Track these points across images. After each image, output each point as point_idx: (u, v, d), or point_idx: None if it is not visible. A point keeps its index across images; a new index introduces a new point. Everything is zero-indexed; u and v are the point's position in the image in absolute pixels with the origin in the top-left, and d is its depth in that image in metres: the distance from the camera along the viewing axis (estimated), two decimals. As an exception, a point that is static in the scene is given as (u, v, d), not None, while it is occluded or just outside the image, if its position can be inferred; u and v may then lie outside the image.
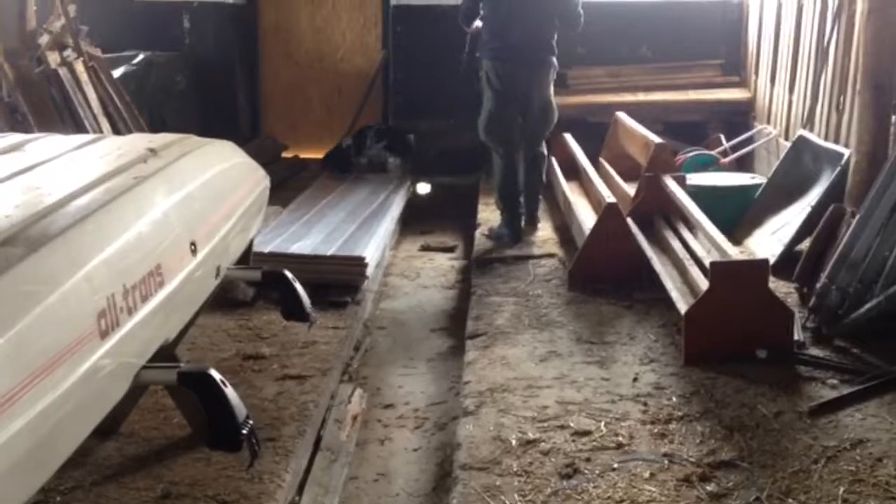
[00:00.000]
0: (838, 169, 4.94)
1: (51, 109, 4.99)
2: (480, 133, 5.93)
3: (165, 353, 2.54)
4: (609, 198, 5.09)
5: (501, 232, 5.89)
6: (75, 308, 1.77)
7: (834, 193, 4.85)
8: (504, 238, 5.83)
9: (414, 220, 6.86)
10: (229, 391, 2.10)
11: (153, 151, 2.65)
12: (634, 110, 6.90)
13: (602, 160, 6.69)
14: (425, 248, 6.33)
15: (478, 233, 6.07)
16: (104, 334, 1.83)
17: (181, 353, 3.53)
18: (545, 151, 6.15)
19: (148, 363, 2.14)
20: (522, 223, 5.96)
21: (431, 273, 5.84)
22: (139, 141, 2.91)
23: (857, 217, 4.18)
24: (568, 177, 6.42)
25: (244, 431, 2.10)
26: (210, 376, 2.11)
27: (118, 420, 3.28)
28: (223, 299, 4.46)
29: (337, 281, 4.96)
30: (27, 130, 4.58)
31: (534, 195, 6.15)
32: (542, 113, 5.92)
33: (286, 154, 7.97)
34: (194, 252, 2.43)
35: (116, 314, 1.89)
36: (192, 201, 2.53)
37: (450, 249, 6.29)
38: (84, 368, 1.78)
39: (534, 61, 5.80)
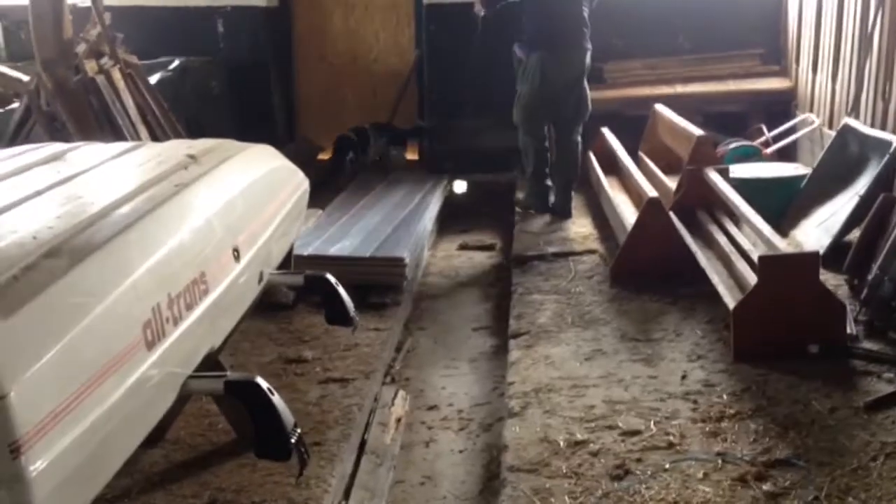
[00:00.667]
0: (886, 157, 4.82)
1: (90, 118, 5.01)
2: (515, 118, 6.21)
3: (211, 361, 2.53)
4: (650, 192, 5.01)
5: (529, 202, 6.32)
6: (121, 319, 1.75)
7: (883, 182, 4.73)
8: (532, 207, 6.22)
9: (452, 220, 6.81)
10: (276, 399, 2.08)
11: (193, 158, 2.63)
12: (673, 102, 6.80)
13: (641, 154, 6.60)
14: (464, 247, 6.28)
15: (516, 229, 6.02)
16: (150, 345, 1.81)
17: (223, 358, 3.54)
18: (579, 140, 6.22)
19: (194, 372, 2.12)
20: (551, 198, 6.25)
21: (471, 272, 5.79)
22: (178, 147, 2.89)
23: (909, 206, 4.07)
24: (607, 172, 6.34)
25: (293, 440, 2.07)
26: (257, 385, 2.09)
27: (164, 427, 3.28)
28: (264, 303, 4.44)
29: (376, 282, 4.94)
30: (66, 139, 4.59)
31: (566, 185, 6.23)
32: (578, 101, 6.09)
33: (322, 156, 7.96)
34: (237, 258, 2.41)
35: (162, 324, 1.86)
36: (233, 207, 2.50)
37: (489, 248, 6.24)
38: (131, 380, 1.76)
39: (580, 48, 6.02)
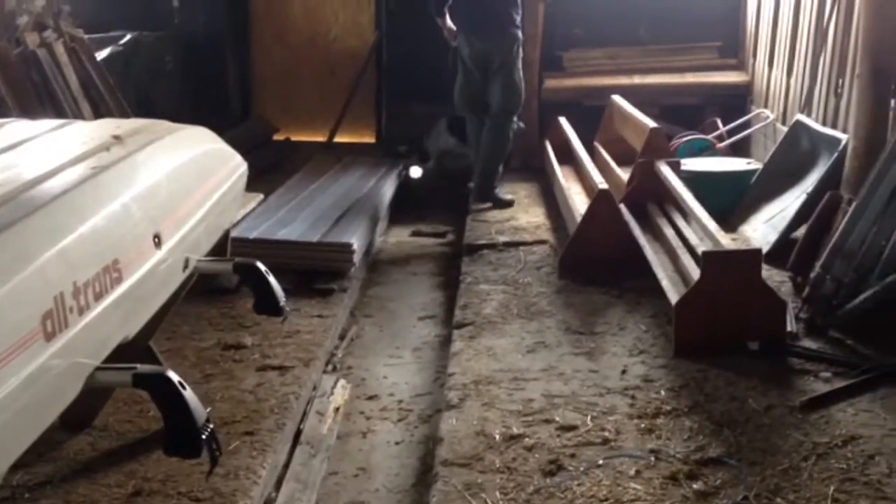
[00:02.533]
0: (836, 155, 4.83)
1: (30, 92, 4.88)
2: (455, 103, 6.31)
3: (134, 349, 2.45)
4: (601, 184, 4.99)
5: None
6: (17, 309, 1.67)
7: (831, 180, 4.74)
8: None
9: (406, 205, 6.74)
10: (188, 394, 2.01)
11: (118, 138, 2.54)
12: (631, 93, 6.78)
13: (597, 144, 6.58)
14: (417, 234, 6.23)
15: (469, 217, 5.98)
16: (50, 336, 1.74)
17: (159, 342, 3.46)
18: (505, 132, 6.18)
19: (104, 363, 2.05)
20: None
21: (422, 259, 5.74)
22: (106, 127, 2.80)
23: (854, 205, 4.07)
24: (562, 161, 6.31)
25: (203, 436, 2.01)
26: (167, 378, 2.02)
27: (92, 414, 3.21)
28: (206, 287, 4.37)
29: (324, 268, 4.88)
30: (6, 114, 4.47)
31: (479, 168, 6.25)
32: (501, 90, 6.08)
33: (277, 136, 7.86)
34: (158, 245, 2.33)
35: (65, 314, 1.79)
36: (156, 191, 2.42)
37: (441, 235, 6.19)
38: (28, 371, 1.69)
39: (501, 34, 5.97)
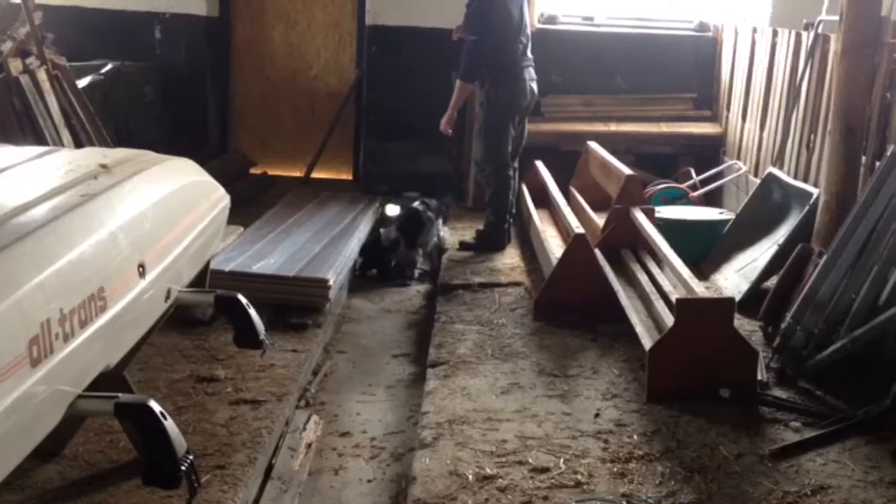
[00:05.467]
0: (807, 208, 4.94)
1: (11, 118, 4.86)
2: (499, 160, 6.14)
3: (110, 378, 2.44)
4: (578, 228, 5.05)
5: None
6: (5, 334, 1.67)
7: (802, 232, 4.84)
8: None
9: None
10: (169, 424, 2.00)
11: (105, 167, 2.55)
12: (606, 140, 6.88)
13: (573, 189, 6.65)
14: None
15: (445, 256, 6.00)
16: (36, 361, 1.73)
17: (132, 372, 3.44)
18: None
19: (85, 391, 2.04)
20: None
21: (396, 297, 5.75)
22: (93, 156, 2.81)
23: (825, 258, 4.16)
24: (538, 204, 6.37)
25: (183, 467, 2.00)
26: (149, 408, 2.01)
27: (62, 442, 3.17)
28: (180, 318, 4.35)
29: (299, 302, 4.87)
30: (-14, 138, 4.46)
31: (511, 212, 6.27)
32: (525, 128, 6.20)
33: (255, 170, 7.86)
34: (142, 274, 2.33)
35: (51, 341, 1.78)
36: (142, 221, 2.43)
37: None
38: (13, 397, 1.68)
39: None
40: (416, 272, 6.04)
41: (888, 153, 4.16)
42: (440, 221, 6.26)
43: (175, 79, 7.57)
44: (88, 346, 1.97)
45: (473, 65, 5.87)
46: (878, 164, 4.31)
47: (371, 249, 6.05)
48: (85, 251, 2.05)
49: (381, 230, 6.14)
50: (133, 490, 2.97)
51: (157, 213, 2.54)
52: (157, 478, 2.03)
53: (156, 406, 2.03)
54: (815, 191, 4.98)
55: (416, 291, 5.85)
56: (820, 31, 5.48)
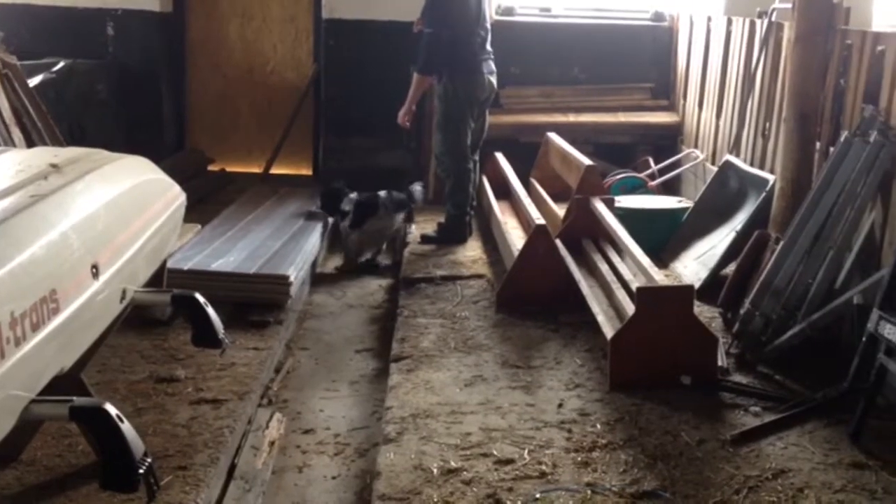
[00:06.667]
0: (763, 194, 4.99)
1: (-40, 118, 4.76)
2: (458, 156, 6.15)
3: (66, 381, 2.40)
4: (538, 219, 5.06)
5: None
6: (-48, 339, 1.63)
7: (759, 219, 4.89)
8: None
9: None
10: (126, 427, 1.97)
11: (56, 167, 2.50)
12: (565, 131, 6.91)
13: (533, 180, 6.67)
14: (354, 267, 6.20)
15: (406, 250, 5.99)
16: (-14, 368, 1.69)
17: (90, 374, 3.38)
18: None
19: (40, 395, 2.00)
20: None
21: (359, 292, 5.73)
22: (43, 155, 2.75)
23: (781, 244, 4.21)
24: (499, 196, 6.38)
25: (141, 471, 1.97)
26: (105, 411, 1.97)
27: (19, 447, 3.12)
28: (138, 318, 4.29)
29: (259, 300, 4.83)
30: (-67, 139, 4.35)
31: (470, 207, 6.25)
32: (485, 121, 6.23)
33: (212, 167, 7.78)
34: (96, 275, 2.29)
35: (2, 345, 1.74)
36: (95, 221, 2.38)
37: (378, 268, 6.18)
38: (-38, 404, 1.64)
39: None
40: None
41: (842, 139, 4.22)
42: (400, 216, 6.20)
43: (129, 76, 7.46)
44: (41, 350, 1.93)
45: (431, 57, 5.86)
46: (832, 150, 4.37)
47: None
48: (35, 253, 2.01)
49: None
50: (92, 494, 2.92)
51: (110, 213, 2.50)
52: (115, 482, 2.00)
53: (112, 409, 1.99)
54: (771, 177, 5.03)
55: (378, 286, 5.83)
56: (773, 18, 5.54)
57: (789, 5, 4.80)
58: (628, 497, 2.97)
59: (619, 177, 6.56)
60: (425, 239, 6.17)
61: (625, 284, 4.36)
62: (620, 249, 4.70)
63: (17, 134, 4.87)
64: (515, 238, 5.45)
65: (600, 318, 4.16)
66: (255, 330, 4.57)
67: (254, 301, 4.80)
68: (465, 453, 3.29)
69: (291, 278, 4.92)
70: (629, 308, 4.01)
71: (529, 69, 7.61)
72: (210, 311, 2.91)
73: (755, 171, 5.41)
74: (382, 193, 6.16)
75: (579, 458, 3.24)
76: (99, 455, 2.20)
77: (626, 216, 5.13)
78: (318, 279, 5.88)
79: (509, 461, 3.22)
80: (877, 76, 4.26)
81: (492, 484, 3.07)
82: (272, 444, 3.64)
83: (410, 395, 3.81)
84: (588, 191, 5.34)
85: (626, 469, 3.16)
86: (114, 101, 7.34)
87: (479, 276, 5.44)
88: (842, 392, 3.56)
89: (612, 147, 7.39)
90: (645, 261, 4.24)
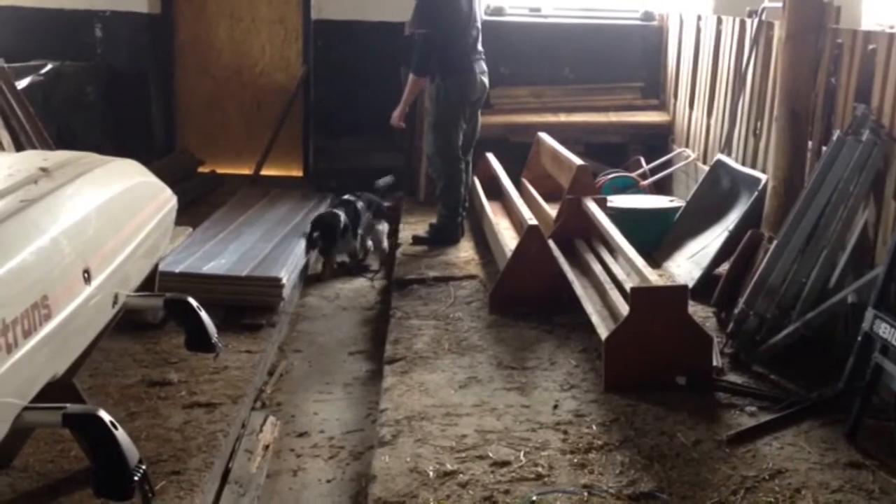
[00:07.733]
0: (755, 194, 4.99)
1: (-53, 121, 4.72)
2: (452, 155, 6.11)
3: (59, 387, 2.37)
4: (531, 219, 5.04)
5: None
6: (-57, 348, 1.60)
7: (751, 218, 4.89)
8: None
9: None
10: (120, 434, 1.94)
11: (45, 171, 2.47)
12: (556, 131, 6.90)
13: (524, 180, 6.66)
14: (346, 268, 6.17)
15: (398, 251, 5.97)
16: (-23, 375, 1.67)
17: (82, 379, 3.36)
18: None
19: (33, 402, 1.97)
20: None
21: (351, 294, 5.70)
22: (32, 159, 2.72)
23: (775, 243, 4.20)
24: (490, 197, 6.37)
25: (135, 478, 1.95)
26: (98, 418, 1.95)
27: (11, 454, 3.09)
28: (131, 322, 4.27)
29: (252, 302, 4.81)
30: (-79, 143, 4.32)
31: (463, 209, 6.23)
32: (478, 121, 6.21)
33: (203, 169, 7.74)
34: (88, 280, 2.26)
35: (-7, 353, 1.72)
36: (86, 225, 2.35)
37: (371, 270, 6.15)
38: (-46, 413, 1.61)
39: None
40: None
41: (834, 138, 4.22)
42: (368, 215, 6.08)
43: (117, 78, 7.42)
44: (33, 357, 1.91)
45: (425, 59, 5.84)
46: (824, 148, 4.37)
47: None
48: (26, 258, 1.99)
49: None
50: (86, 500, 2.90)
51: (101, 217, 2.47)
52: (109, 490, 1.97)
53: (105, 416, 1.97)
54: (763, 177, 5.03)
55: (370, 287, 5.80)
56: (764, 17, 5.54)
57: (779, 4, 4.79)
58: (625, 498, 2.97)
59: (610, 176, 6.56)
60: (417, 240, 6.15)
61: (618, 284, 4.35)
62: (613, 249, 4.69)
63: (5, 137, 4.83)
64: (508, 238, 5.44)
65: (594, 319, 4.15)
66: (248, 333, 4.55)
67: (246, 304, 4.78)
68: (460, 455, 3.27)
69: (284, 280, 4.90)
70: (623, 308, 4.00)
71: (519, 69, 7.59)
72: (203, 314, 2.89)
73: (747, 170, 5.41)
74: (344, 205, 5.94)
75: (575, 460, 3.23)
76: (93, 462, 2.18)
77: (618, 216, 5.13)
78: (309, 281, 5.85)
79: (505, 463, 3.21)
80: (868, 75, 4.26)
81: (488, 486, 3.05)
82: (266, 447, 3.62)
83: (405, 398, 3.79)
84: (580, 191, 5.33)
85: (623, 470, 3.15)
86: (102, 103, 7.30)
87: (472, 277, 5.42)
88: (837, 391, 3.56)
89: (602, 147, 7.39)
90: (638, 261, 4.23)
